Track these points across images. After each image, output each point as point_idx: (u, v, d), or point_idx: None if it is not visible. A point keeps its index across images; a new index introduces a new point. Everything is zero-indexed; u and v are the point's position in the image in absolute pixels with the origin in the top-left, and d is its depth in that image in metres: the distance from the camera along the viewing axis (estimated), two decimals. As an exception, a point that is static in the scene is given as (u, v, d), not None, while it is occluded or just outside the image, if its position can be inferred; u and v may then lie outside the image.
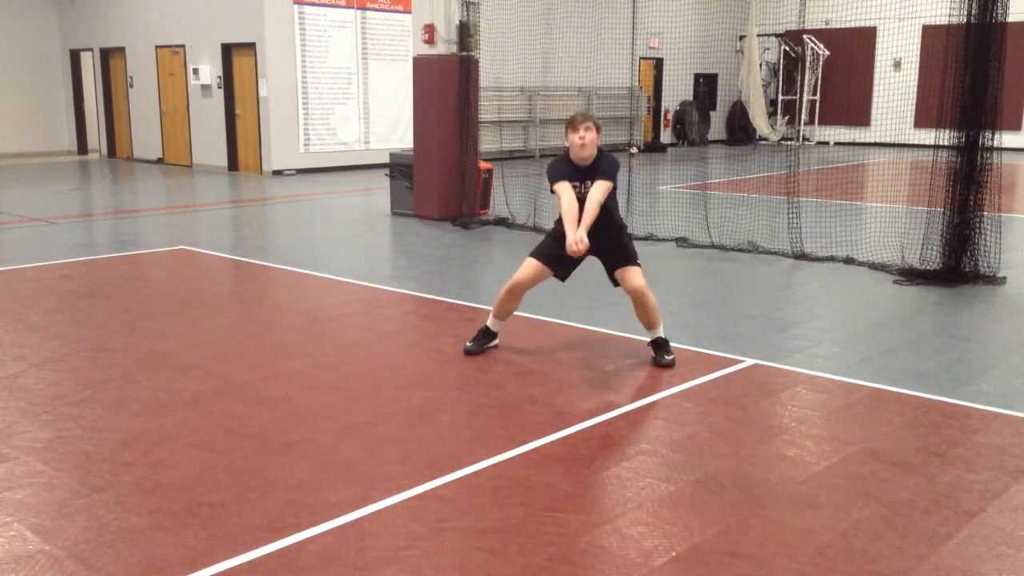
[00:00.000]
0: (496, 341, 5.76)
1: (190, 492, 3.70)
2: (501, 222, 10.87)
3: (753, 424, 4.55)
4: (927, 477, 3.91)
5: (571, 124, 5.35)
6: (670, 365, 5.42)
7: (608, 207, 5.39)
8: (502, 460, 4.04)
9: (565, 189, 5.35)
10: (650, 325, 5.49)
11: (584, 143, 5.28)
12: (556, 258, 5.47)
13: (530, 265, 5.51)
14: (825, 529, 3.45)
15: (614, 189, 5.41)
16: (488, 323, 5.70)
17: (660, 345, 5.50)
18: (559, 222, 5.47)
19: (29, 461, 4.01)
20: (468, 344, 5.68)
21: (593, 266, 8.56)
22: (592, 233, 5.25)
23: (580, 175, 5.38)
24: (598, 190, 5.28)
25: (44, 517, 3.49)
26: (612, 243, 5.49)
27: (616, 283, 5.55)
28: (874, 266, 8.27)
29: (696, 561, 3.21)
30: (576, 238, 5.15)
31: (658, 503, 3.66)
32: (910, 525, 3.48)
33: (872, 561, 3.22)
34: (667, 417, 4.63)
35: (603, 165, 5.39)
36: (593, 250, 5.39)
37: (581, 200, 5.35)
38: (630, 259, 5.48)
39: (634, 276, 5.41)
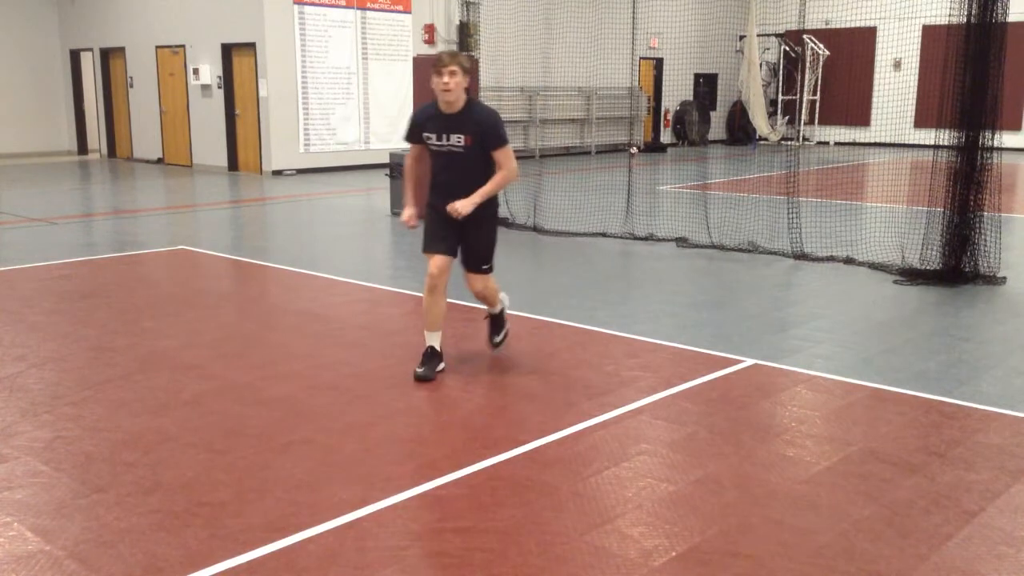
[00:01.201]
0: (443, 364, 5.28)
1: (190, 492, 3.70)
2: (501, 222, 10.82)
3: (753, 424, 4.55)
4: (927, 477, 3.91)
5: (435, 67, 4.83)
6: (497, 345, 5.60)
7: (485, 179, 5.00)
8: (502, 460, 4.04)
9: (413, 152, 5.19)
10: (491, 306, 5.53)
11: (449, 88, 4.80)
12: (442, 236, 5.09)
13: (438, 259, 5.07)
14: (825, 529, 3.45)
15: (493, 156, 4.99)
16: (429, 342, 5.20)
17: (495, 322, 5.58)
18: (432, 192, 5.14)
19: (29, 461, 4.01)
20: (419, 370, 5.13)
21: (594, 266, 8.58)
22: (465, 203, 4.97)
23: (446, 125, 4.94)
24: (505, 163, 4.95)
25: (44, 517, 3.49)
26: (479, 231, 5.15)
27: (463, 265, 5.28)
28: (874, 266, 8.27)
29: (696, 561, 3.21)
30: (408, 214, 5.14)
31: (658, 503, 3.67)
32: (910, 525, 3.48)
33: (872, 561, 3.22)
34: (667, 417, 4.63)
35: (487, 121, 4.95)
36: (454, 224, 5.02)
37: (444, 154, 4.99)
38: (482, 263, 5.23)
39: (475, 281, 5.28)
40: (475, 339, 6.09)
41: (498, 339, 5.61)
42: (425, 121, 5.05)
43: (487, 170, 5.01)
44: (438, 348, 5.24)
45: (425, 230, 5.19)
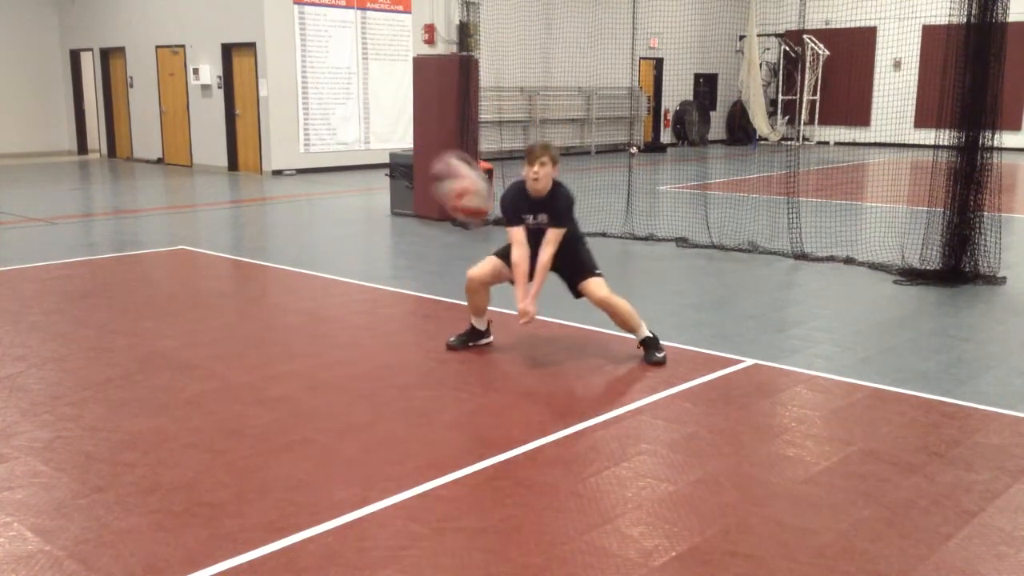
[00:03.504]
0: (488, 339, 5.81)
1: (190, 492, 3.70)
2: (501, 222, 10.86)
3: (753, 424, 4.55)
4: (927, 477, 3.91)
5: (528, 156, 5.37)
6: (661, 363, 5.44)
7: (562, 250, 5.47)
8: (502, 460, 4.04)
9: (518, 239, 5.45)
10: (631, 331, 5.55)
11: (538, 178, 5.33)
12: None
13: (489, 262, 5.58)
14: (825, 529, 3.45)
15: (549, 231, 5.46)
16: (472, 322, 5.75)
17: (648, 344, 5.53)
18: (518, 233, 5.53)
19: (29, 461, 4.01)
20: (451, 339, 5.76)
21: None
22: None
23: (534, 207, 5.45)
24: (552, 242, 5.38)
25: (44, 517, 3.49)
26: (568, 257, 5.52)
27: (577, 295, 5.60)
28: (874, 266, 8.27)
29: (696, 561, 3.21)
30: (523, 308, 5.33)
31: (658, 503, 3.67)
32: (910, 525, 3.48)
33: (872, 561, 3.22)
34: (667, 417, 4.63)
35: (559, 204, 5.43)
36: (553, 266, 5.50)
37: (532, 234, 5.44)
38: (588, 269, 5.52)
39: (596, 287, 5.45)
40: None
41: (659, 355, 5.48)
42: (520, 204, 5.48)
43: (565, 243, 5.46)
44: (479, 328, 5.74)
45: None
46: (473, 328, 5.76)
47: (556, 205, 5.44)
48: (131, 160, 20.04)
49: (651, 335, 5.54)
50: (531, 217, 5.48)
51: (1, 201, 12.94)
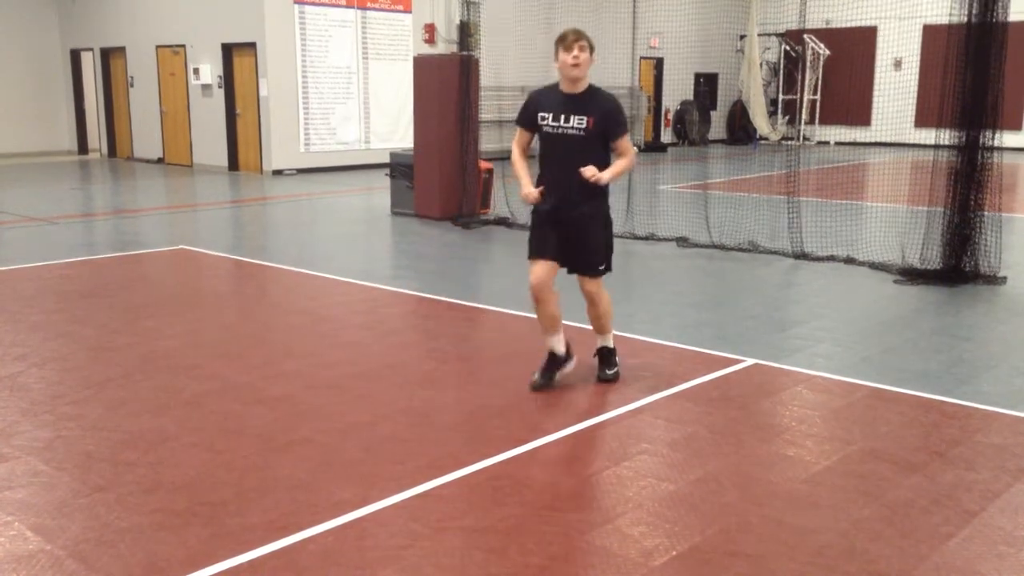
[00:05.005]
0: (571, 364, 5.05)
1: (191, 492, 3.70)
2: (502, 222, 10.88)
3: (753, 424, 4.55)
4: (927, 477, 3.91)
5: (562, 41, 4.54)
6: (611, 380, 5.05)
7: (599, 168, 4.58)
8: (502, 460, 4.04)
9: (520, 140, 4.76)
10: (599, 330, 5.05)
11: (578, 63, 4.50)
12: (546, 241, 4.77)
13: (538, 264, 4.78)
14: (825, 529, 3.45)
15: (616, 145, 4.65)
16: (547, 347, 4.97)
17: (604, 356, 5.10)
18: (533, 212, 4.87)
19: (29, 461, 4.01)
20: (535, 376, 4.96)
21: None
22: (567, 200, 4.64)
23: (568, 106, 4.59)
24: (629, 154, 4.64)
25: (44, 517, 3.49)
26: (587, 231, 4.74)
27: (571, 271, 4.91)
28: (874, 266, 8.26)
29: (696, 561, 3.21)
30: (527, 192, 4.66)
31: (658, 503, 3.67)
32: (910, 525, 3.48)
33: (872, 561, 3.22)
34: (667, 417, 4.63)
35: (607, 106, 4.60)
36: (561, 227, 4.72)
37: (560, 139, 4.61)
38: (592, 265, 4.80)
39: (589, 281, 4.84)
40: (474, 339, 6.10)
41: (610, 373, 5.08)
42: (542, 100, 4.66)
43: (600, 162, 4.59)
44: (558, 352, 4.94)
45: (530, 235, 4.86)
46: (552, 356, 4.94)
47: (608, 106, 4.58)
48: (131, 160, 20.03)
49: (610, 347, 5.08)
50: (551, 117, 4.60)
51: (1, 201, 12.94)
